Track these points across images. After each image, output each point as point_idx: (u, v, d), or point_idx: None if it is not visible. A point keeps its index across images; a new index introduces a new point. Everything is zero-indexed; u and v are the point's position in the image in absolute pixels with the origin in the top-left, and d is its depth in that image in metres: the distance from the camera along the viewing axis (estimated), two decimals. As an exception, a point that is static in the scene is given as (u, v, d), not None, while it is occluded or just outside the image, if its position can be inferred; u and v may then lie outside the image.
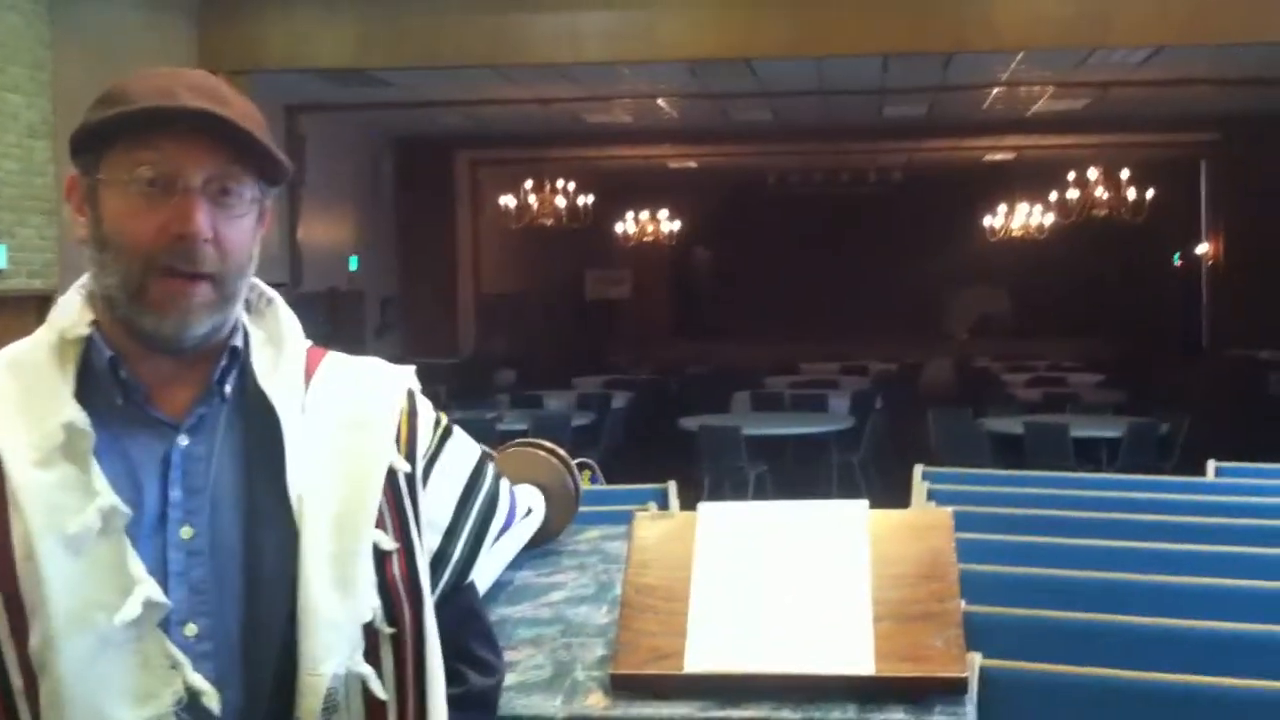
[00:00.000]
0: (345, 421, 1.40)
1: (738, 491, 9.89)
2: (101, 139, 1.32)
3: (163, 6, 9.00)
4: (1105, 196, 15.07)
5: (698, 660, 1.81)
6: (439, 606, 1.43)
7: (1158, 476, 6.42)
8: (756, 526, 1.99)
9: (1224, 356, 15.26)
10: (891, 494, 6.25)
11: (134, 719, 1.23)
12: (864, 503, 2.03)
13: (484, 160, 17.31)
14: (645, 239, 18.27)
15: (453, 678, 1.45)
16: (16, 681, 1.25)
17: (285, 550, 1.31)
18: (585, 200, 16.09)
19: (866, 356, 17.36)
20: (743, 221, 20.43)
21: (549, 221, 15.86)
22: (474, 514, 1.54)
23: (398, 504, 1.40)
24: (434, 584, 1.44)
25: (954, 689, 1.75)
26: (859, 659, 1.78)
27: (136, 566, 1.25)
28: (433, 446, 1.49)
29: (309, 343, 1.48)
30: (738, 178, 19.22)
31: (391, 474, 1.40)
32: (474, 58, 9.95)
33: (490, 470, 1.61)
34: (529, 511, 1.59)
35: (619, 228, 18.25)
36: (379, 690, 1.33)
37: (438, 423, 1.52)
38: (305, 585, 1.30)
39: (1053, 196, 16.06)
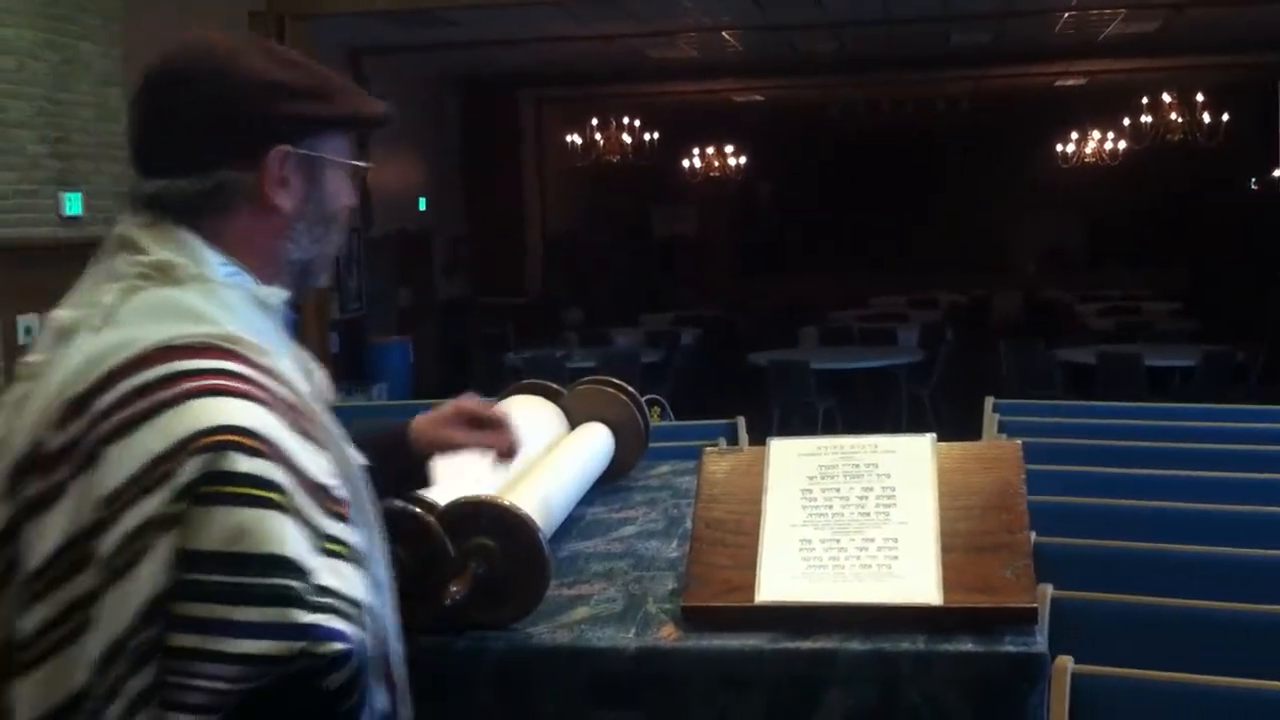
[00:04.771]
0: None
1: (807, 426, 9.88)
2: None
3: (228, -48, 9.02)
4: (1179, 121, 14.75)
5: (768, 592, 1.83)
6: None
7: (1230, 405, 6.33)
8: (825, 460, 2.00)
9: (1301, 282, 14.93)
10: (962, 427, 6.21)
11: None
12: (932, 435, 2.03)
13: (548, 99, 17.24)
14: (711, 175, 18.15)
15: None
16: None
17: None
18: (650, 136, 16.01)
19: (936, 289, 17.20)
20: (809, 155, 20.22)
21: (614, 158, 15.80)
22: None
23: None
24: None
25: (1024, 620, 1.75)
26: (928, 590, 1.79)
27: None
28: None
29: None
30: (804, 110, 18.98)
31: None
32: (535, -7, 9.94)
33: None
34: None
35: (685, 164, 18.14)
36: None
37: None
38: None
39: (1125, 122, 15.74)
